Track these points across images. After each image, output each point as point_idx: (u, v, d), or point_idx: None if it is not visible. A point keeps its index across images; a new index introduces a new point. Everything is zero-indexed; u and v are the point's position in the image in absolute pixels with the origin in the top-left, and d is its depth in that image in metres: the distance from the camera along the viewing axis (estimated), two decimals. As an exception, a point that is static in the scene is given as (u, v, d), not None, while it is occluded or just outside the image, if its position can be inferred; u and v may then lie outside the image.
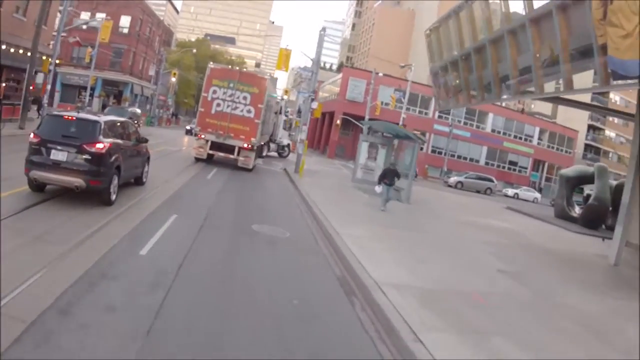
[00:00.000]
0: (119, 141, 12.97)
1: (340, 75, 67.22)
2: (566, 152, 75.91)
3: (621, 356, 7.99)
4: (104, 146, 11.80)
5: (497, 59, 19.35)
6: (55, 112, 13.83)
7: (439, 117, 64.90)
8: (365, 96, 57.72)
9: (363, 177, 27.18)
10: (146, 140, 15.86)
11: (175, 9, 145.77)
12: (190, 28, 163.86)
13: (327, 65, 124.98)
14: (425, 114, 64.51)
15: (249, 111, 25.94)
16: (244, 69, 27.15)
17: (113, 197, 12.57)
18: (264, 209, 17.30)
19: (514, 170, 71.51)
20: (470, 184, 55.14)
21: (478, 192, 53.91)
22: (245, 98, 26.09)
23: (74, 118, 12.04)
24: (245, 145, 25.78)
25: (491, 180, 57.22)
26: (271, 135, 39.94)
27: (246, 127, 25.82)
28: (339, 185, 27.37)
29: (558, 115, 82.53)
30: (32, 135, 11.72)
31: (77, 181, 11.40)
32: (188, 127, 54.90)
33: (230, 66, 26.75)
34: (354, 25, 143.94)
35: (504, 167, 70.41)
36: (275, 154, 43.75)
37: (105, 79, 58.60)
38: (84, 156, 11.49)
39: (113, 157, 12.25)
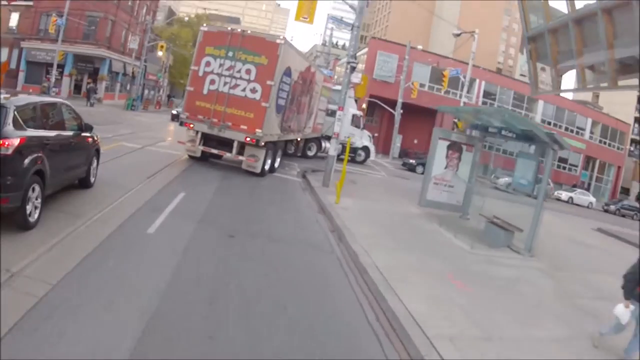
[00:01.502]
0: (44, 133, 9.52)
1: (366, 49, 59.09)
2: (618, 148, 69.67)
3: None
4: (10, 144, 8.18)
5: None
6: None
7: (484, 102, 57.35)
8: (397, 75, 50.10)
9: (438, 197, 19.02)
10: (91, 128, 12.23)
11: None
12: (194, 8, 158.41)
13: (340, 44, 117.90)
14: (468, 98, 56.70)
15: (253, 90, 19.10)
16: (248, 31, 19.05)
17: (33, 217, 8.97)
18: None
19: (564, 168, 64.18)
20: (522, 186, 47.13)
21: (528, 196, 46.06)
22: (248, 71, 19.21)
23: None
24: (248, 139, 18.94)
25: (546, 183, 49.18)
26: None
27: (249, 113, 19.07)
28: (401, 213, 18.51)
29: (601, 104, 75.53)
30: None
31: None
32: (174, 112, 47.68)
33: (229, 27, 18.73)
34: (367, 2, 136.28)
35: (553, 165, 62.40)
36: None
37: (77, 53, 51.44)
38: None
39: (29, 159, 8.68)
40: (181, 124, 20.34)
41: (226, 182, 17.57)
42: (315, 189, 19.21)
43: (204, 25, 20.98)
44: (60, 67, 49.63)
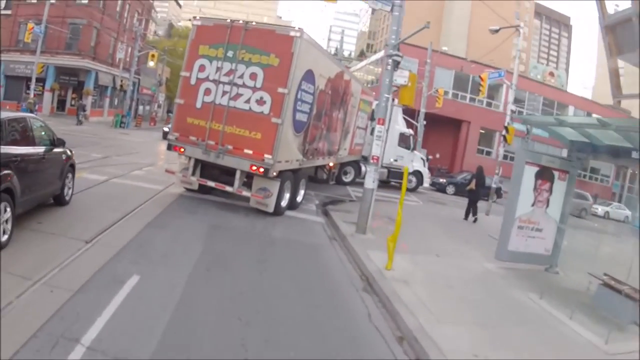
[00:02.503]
0: (12, 150, 9.05)
1: (382, 52, 53.84)
2: None
3: None
4: None
5: None
6: None
7: (512, 111, 52.14)
8: (419, 81, 44.89)
9: (522, 247, 13.64)
10: (63, 143, 11.66)
11: (178, 3, 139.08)
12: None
13: (346, 54, 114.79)
14: (495, 106, 51.55)
15: (260, 101, 14.39)
16: (253, 22, 13.82)
17: (4, 237, 8.42)
18: None
19: (596, 179, 59.20)
20: (562, 203, 41.95)
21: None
22: (254, 76, 14.46)
23: None
24: (254, 168, 14.25)
25: (586, 198, 44.43)
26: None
27: (255, 133, 14.41)
28: (478, 273, 13.19)
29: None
30: None
31: None
32: (165, 128, 41.11)
33: (228, 19, 13.50)
34: (373, 10, 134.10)
35: (584, 176, 58.21)
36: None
37: (59, 65, 46.56)
38: None
39: None
40: (169, 147, 15.59)
41: (219, 236, 12.18)
42: (347, 239, 14.06)
43: (197, 17, 15.76)
44: (41, 81, 44.87)
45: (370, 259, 12.03)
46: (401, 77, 14.48)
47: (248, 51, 14.41)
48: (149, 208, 13.40)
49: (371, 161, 14.55)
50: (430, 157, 39.53)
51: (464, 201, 34.14)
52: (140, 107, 63.09)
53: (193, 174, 15.42)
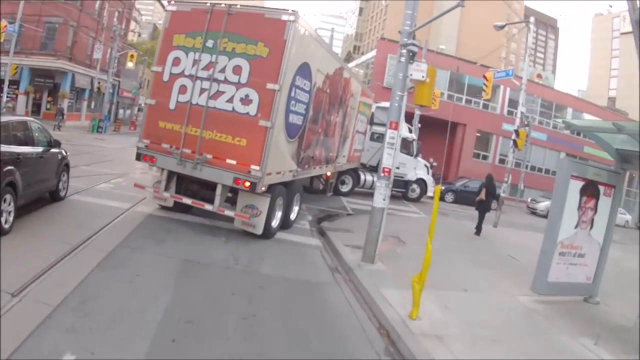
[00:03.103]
0: (15, 149, 10.19)
1: (374, 53, 51.09)
2: None
3: None
4: None
5: None
6: None
7: (509, 113, 49.78)
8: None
9: (563, 276, 11.14)
10: (59, 144, 12.65)
11: (162, 4, 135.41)
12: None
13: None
14: (492, 108, 48.97)
15: (245, 99, 11.70)
16: (237, 5, 10.95)
17: (7, 224, 9.52)
18: None
19: (595, 183, 56.56)
20: (565, 210, 39.50)
21: None
22: (238, 70, 11.77)
23: None
24: (240, 182, 11.58)
25: (589, 204, 41.72)
26: (378, 163, 25.63)
27: (239, 139, 11.73)
28: (519, 313, 10.50)
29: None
30: None
31: None
32: None
33: (208, 3, 11.04)
34: (361, 10, 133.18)
35: (584, 181, 55.40)
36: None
37: (34, 67, 43.30)
38: None
39: (1, 172, 9.23)
40: (138, 157, 12.83)
41: (191, 279, 9.08)
42: (353, 271, 11.24)
43: (172, 2, 12.91)
44: (15, 83, 41.78)
45: (386, 301, 9.33)
46: (418, 72, 11.73)
47: (231, 40, 11.76)
48: (106, 237, 10.51)
49: (382, 174, 11.76)
50: (435, 163, 36.87)
51: (466, 211, 31.69)
52: (121, 111, 59.99)
53: (166, 188, 12.80)
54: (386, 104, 27.95)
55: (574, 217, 11.24)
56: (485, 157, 51.21)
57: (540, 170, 52.20)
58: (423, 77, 11.70)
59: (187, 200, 12.50)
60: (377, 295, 9.52)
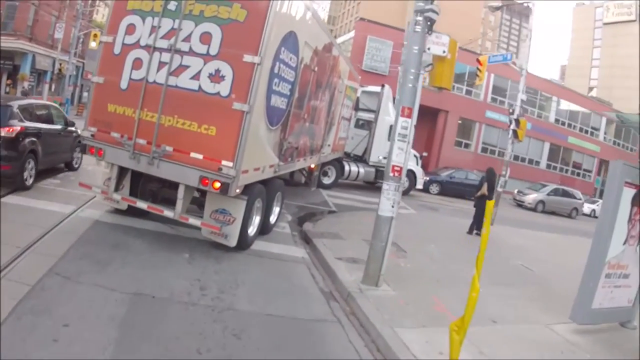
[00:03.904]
0: (37, 125, 12.82)
1: (352, 34, 48.25)
2: (631, 149, 61.00)
3: None
4: (13, 130, 11.67)
5: None
6: None
7: (493, 100, 47.52)
8: (392, 65, 40.64)
9: (607, 301, 8.84)
10: (73, 124, 15.42)
11: None
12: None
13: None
14: (476, 95, 46.64)
15: (215, 75, 8.98)
16: None
17: (29, 181, 12.24)
18: None
19: (578, 174, 55.21)
20: (554, 203, 38.74)
21: (553, 213, 38.20)
22: (207, 38, 9.06)
23: None
24: (207, 180, 8.94)
25: (576, 197, 40.28)
26: (364, 152, 24.64)
27: (207, 127, 9.00)
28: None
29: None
30: None
31: None
32: None
33: None
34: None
35: (566, 171, 54.28)
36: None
37: (-9, 48, 39.49)
38: None
39: (26, 141, 12.06)
40: (83, 149, 10.78)
41: (140, 328, 6.22)
42: (355, 299, 8.57)
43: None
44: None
45: (408, 349, 6.73)
46: (438, 45, 9.15)
47: (199, 0, 9.08)
48: (33, 260, 7.74)
49: (390, 174, 9.09)
50: (425, 153, 34.38)
51: (454, 204, 29.39)
52: (85, 94, 56.22)
53: (117, 188, 10.15)
54: (373, 88, 25.54)
55: (624, 231, 8.93)
56: (467, 146, 49.00)
57: (523, 160, 50.16)
58: (444, 52, 9.15)
59: (142, 205, 9.82)
60: (395, 341, 6.95)
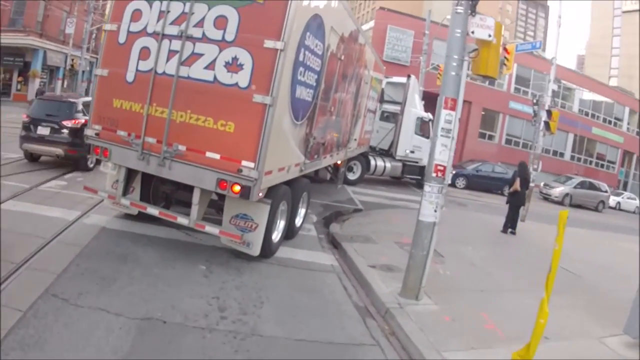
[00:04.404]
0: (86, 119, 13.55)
1: (371, 24, 47.02)
2: None
3: None
4: (79, 122, 14.45)
5: None
6: (44, 97, 17.92)
7: (516, 90, 46.17)
8: (413, 55, 40.14)
9: None
10: None
11: None
12: None
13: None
14: (499, 85, 45.37)
15: (233, 64, 7.83)
16: None
17: (91, 164, 14.99)
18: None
19: (602, 166, 53.86)
20: (580, 196, 37.30)
21: (579, 206, 36.63)
22: (222, 23, 7.92)
23: (56, 100, 15.89)
24: (225, 184, 7.85)
25: (602, 190, 38.95)
26: (390, 146, 23.35)
27: (225, 123, 7.84)
28: None
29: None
30: (23, 115, 14.97)
31: (57, 151, 14.36)
32: None
33: None
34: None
35: (590, 162, 52.77)
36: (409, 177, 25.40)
37: (1, 45, 38.41)
38: (63, 130, 14.43)
39: None
40: (89, 149, 9.51)
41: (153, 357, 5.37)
42: (395, 317, 7.48)
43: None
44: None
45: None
46: (482, 28, 8.06)
47: (213, -21, 7.96)
48: (28, 278, 6.76)
49: (433, 174, 7.96)
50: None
51: (481, 198, 28.21)
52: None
53: (126, 192, 9.14)
54: (398, 79, 24.32)
55: None
56: (491, 137, 47.69)
57: (548, 152, 48.78)
58: (490, 36, 8.06)
59: (154, 211, 8.81)
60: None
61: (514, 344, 6.62)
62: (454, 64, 7.97)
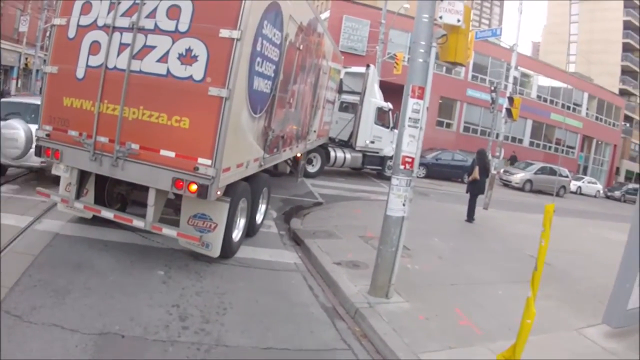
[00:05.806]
0: None
1: (327, 14, 46.50)
2: (613, 125, 61.67)
3: None
4: None
5: None
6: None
7: (473, 78, 46.31)
8: (369, 45, 40.22)
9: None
10: None
11: None
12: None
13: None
14: (456, 73, 45.45)
15: (186, 56, 7.36)
16: None
17: None
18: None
19: (562, 151, 54.64)
20: (541, 182, 37.33)
21: (540, 192, 36.73)
22: (174, 13, 7.42)
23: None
24: (181, 183, 7.36)
25: (563, 175, 39.50)
26: (349, 137, 22.77)
27: (179, 119, 7.38)
28: None
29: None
30: None
31: None
32: None
33: None
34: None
35: (549, 148, 53.63)
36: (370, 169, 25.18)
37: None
38: None
39: None
40: (38, 152, 8.57)
41: None
42: (366, 318, 7.18)
43: None
44: None
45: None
46: (450, 13, 7.74)
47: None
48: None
49: (400, 167, 7.65)
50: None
51: (442, 187, 28.08)
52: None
53: (79, 195, 8.66)
54: (357, 69, 23.98)
55: None
56: (449, 125, 47.77)
57: (506, 138, 49.14)
58: (458, 21, 7.74)
59: (108, 214, 8.30)
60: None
61: (491, 341, 6.41)
62: (422, 50, 7.64)
